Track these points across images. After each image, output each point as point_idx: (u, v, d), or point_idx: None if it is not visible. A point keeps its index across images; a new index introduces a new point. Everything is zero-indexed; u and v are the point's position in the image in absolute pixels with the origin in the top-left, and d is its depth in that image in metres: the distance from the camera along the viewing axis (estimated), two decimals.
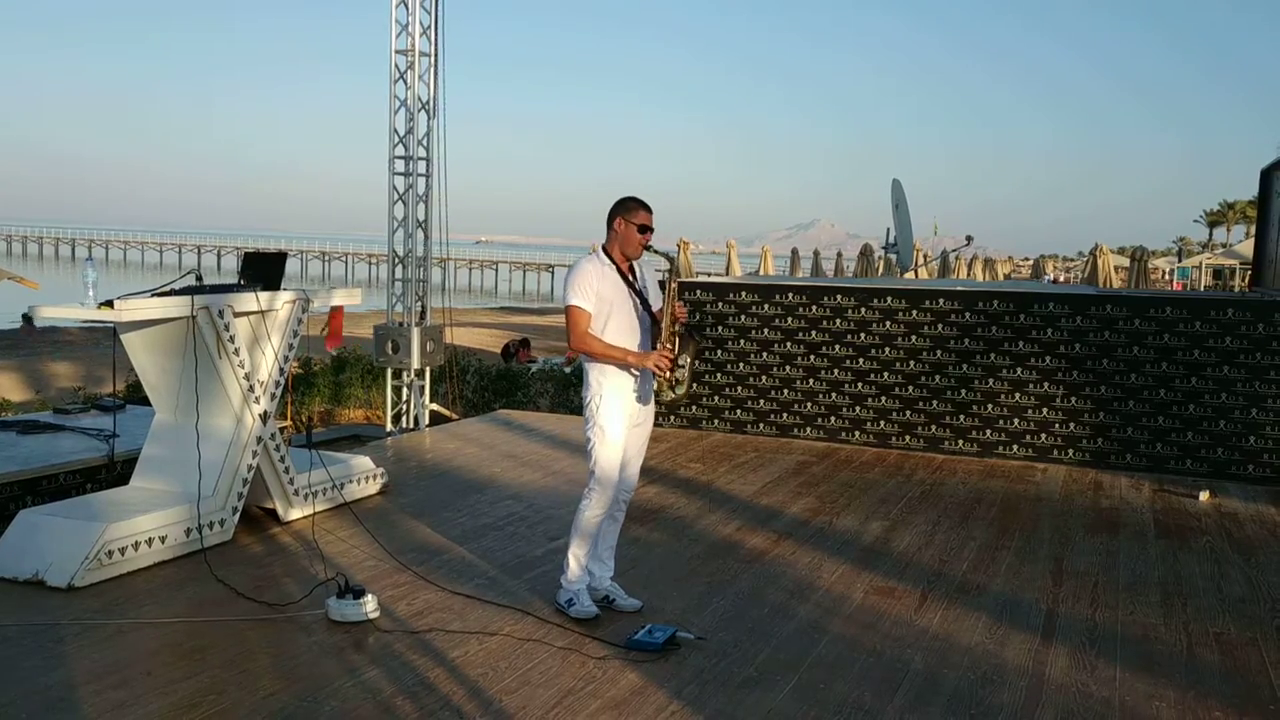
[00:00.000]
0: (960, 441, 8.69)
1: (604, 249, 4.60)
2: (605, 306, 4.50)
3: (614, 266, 4.55)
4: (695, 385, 9.23)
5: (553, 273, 76.92)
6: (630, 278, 4.59)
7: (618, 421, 4.54)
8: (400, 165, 10.31)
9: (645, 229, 4.54)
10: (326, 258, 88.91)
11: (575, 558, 4.63)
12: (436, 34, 10.19)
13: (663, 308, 4.59)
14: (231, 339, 5.50)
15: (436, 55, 10.21)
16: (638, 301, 4.59)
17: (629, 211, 4.54)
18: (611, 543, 4.80)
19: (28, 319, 4.92)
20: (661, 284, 4.84)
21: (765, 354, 9.26)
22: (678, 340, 4.54)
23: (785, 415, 9.22)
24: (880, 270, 27.57)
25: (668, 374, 4.49)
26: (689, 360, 4.57)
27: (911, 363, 8.81)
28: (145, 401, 6.30)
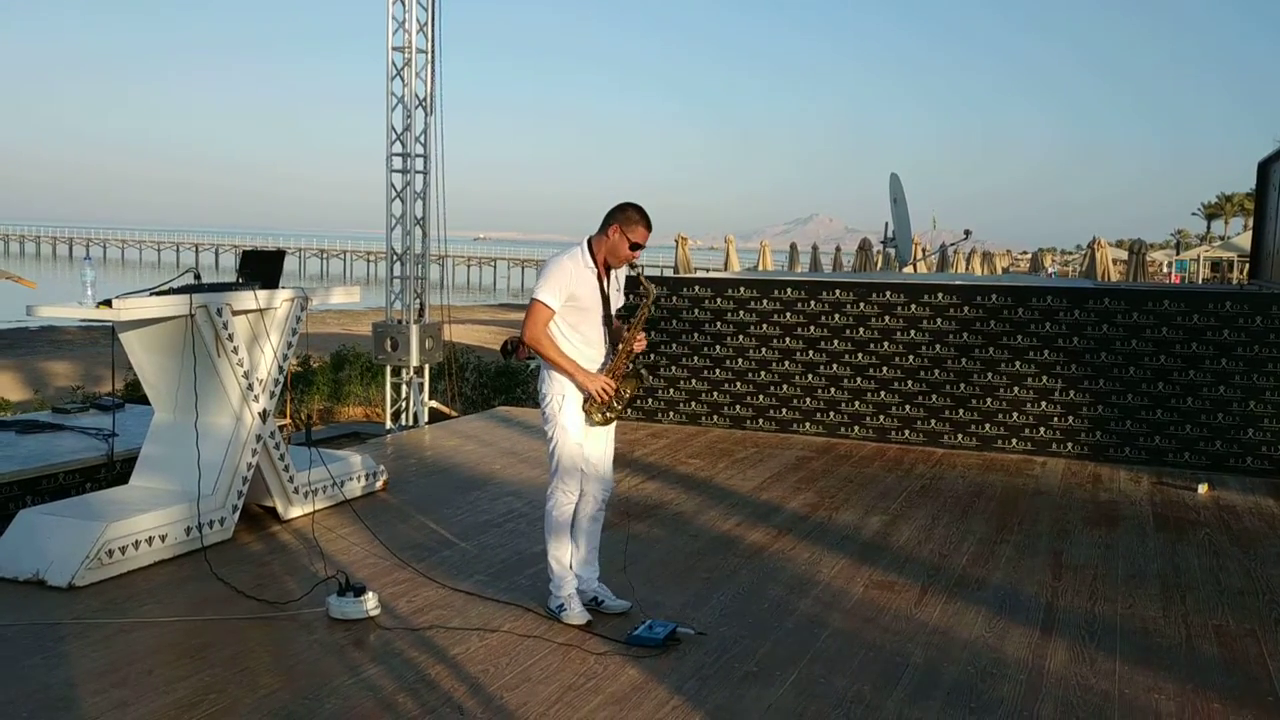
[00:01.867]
0: (959, 435, 8.69)
1: (590, 244, 4.47)
2: (577, 310, 4.42)
3: (594, 269, 4.44)
4: (675, 384, 9.23)
5: None
6: (604, 279, 4.50)
7: (580, 422, 4.53)
8: (398, 162, 10.30)
9: (636, 246, 4.42)
10: (325, 255, 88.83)
11: (556, 560, 4.60)
12: (434, 30, 10.17)
13: (627, 333, 4.52)
14: (230, 337, 5.51)
15: (434, 52, 10.19)
16: (606, 311, 4.52)
17: (628, 223, 4.40)
18: (595, 544, 4.77)
19: None
20: (633, 282, 4.76)
21: (764, 349, 9.26)
22: (625, 377, 4.51)
23: (785, 410, 9.23)
24: (879, 265, 27.59)
25: (605, 402, 4.47)
26: (627, 395, 4.56)
27: (910, 357, 8.82)
28: (144, 400, 6.30)
